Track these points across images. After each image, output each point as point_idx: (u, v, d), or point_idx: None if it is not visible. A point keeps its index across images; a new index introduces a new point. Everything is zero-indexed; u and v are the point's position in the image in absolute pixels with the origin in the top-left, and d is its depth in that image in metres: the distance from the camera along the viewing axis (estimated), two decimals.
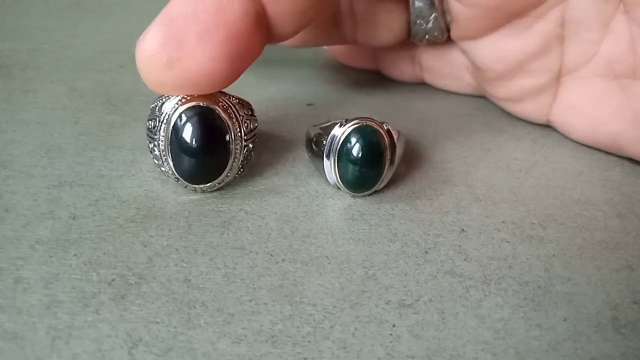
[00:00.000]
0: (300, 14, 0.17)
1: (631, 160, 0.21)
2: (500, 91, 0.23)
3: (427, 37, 0.22)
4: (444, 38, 0.22)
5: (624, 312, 0.14)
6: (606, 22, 0.19)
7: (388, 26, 0.22)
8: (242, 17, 0.15)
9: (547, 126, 0.23)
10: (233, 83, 0.17)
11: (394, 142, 0.17)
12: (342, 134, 0.17)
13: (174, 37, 0.15)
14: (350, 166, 0.17)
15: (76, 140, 0.20)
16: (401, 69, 0.26)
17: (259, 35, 0.16)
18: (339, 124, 0.17)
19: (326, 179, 0.18)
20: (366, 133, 0.17)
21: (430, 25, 0.22)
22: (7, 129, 0.20)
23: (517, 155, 0.21)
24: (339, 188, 0.18)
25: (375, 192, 0.18)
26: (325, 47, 0.30)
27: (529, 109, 0.22)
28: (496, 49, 0.21)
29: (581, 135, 0.21)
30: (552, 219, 0.18)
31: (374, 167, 0.17)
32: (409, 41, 0.24)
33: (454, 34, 0.22)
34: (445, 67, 0.25)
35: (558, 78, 0.21)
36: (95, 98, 0.23)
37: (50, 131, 0.20)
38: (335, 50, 0.29)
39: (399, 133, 0.18)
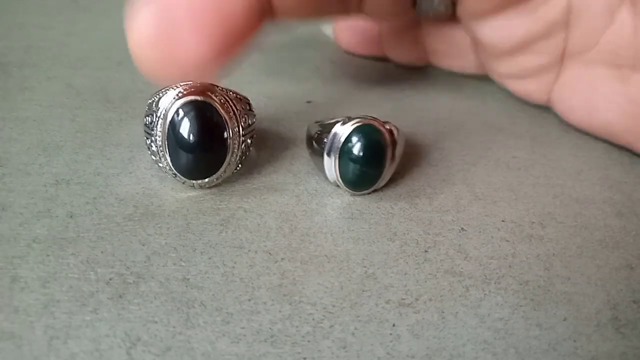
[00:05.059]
0: None
1: (631, 158, 0.21)
2: (504, 68, 0.23)
3: (431, 12, 0.22)
4: (448, 13, 0.22)
5: (624, 312, 0.14)
6: (612, 11, 0.19)
7: None
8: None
9: (547, 125, 0.23)
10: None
11: (395, 141, 0.17)
12: (344, 132, 0.16)
13: (167, 20, 0.15)
14: (352, 165, 0.17)
15: (73, 138, 0.20)
16: (406, 52, 0.26)
17: (256, 15, 0.16)
18: (341, 122, 0.17)
19: (326, 177, 0.17)
20: (368, 132, 0.16)
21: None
22: (4, 126, 0.20)
23: (517, 153, 0.21)
24: (338, 186, 0.17)
25: (375, 190, 0.18)
26: (328, 37, 0.30)
27: (531, 87, 0.22)
28: (501, 30, 0.21)
29: (578, 119, 0.22)
30: (551, 218, 0.17)
31: (375, 166, 0.17)
32: (412, 22, 0.24)
33: (459, 12, 0.22)
34: (449, 48, 0.25)
35: (562, 59, 0.21)
36: (92, 95, 0.23)
37: (47, 129, 0.20)
38: (341, 38, 0.28)
39: (399, 131, 0.18)
